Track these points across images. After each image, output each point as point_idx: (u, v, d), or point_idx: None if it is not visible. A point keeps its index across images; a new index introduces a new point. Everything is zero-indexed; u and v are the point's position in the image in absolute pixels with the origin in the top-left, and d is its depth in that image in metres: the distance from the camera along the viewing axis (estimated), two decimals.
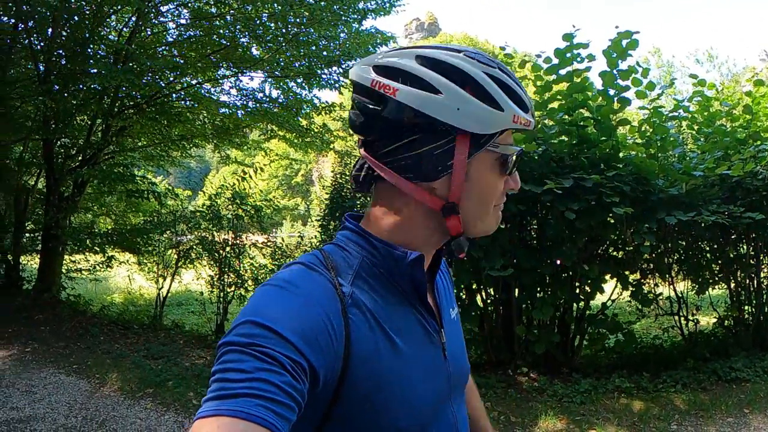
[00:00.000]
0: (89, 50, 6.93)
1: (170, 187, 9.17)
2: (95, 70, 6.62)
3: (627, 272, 4.80)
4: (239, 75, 8.23)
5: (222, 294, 6.54)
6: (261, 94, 8.73)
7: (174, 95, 8.20)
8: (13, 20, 6.70)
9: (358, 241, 0.76)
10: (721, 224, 4.07)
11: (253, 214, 6.92)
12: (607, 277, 4.79)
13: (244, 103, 8.81)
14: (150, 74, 7.13)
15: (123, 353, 5.39)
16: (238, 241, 6.81)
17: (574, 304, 4.76)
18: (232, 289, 6.61)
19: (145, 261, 7.67)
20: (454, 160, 0.71)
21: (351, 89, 0.77)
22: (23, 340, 5.60)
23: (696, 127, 5.25)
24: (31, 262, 8.23)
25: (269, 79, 8.52)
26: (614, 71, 4.35)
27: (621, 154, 4.46)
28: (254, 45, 7.83)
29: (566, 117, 4.53)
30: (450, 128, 0.69)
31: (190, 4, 7.46)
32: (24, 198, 7.73)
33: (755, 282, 5.05)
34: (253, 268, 6.89)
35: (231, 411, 0.53)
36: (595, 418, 3.90)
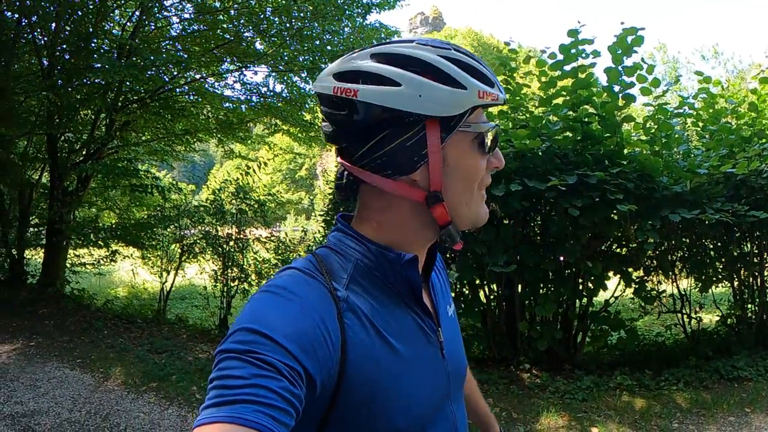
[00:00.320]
0: (93, 45, 6.94)
1: (174, 182, 9.18)
2: (99, 65, 6.62)
3: (630, 269, 4.78)
4: (243, 69, 8.24)
5: (225, 288, 6.57)
6: (265, 89, 8.74)
7: (178, 90, 8.21)
8: (16, 15, 6.70)
9: (351, 243, 0.76)
10: (725, 222, 4.05)
11: (256, 209, 6.93)
12: (610, 274, 4.78)
13: (248, 97, 8.81)
14: (154, 69, 7.13)
15: (127, 347, 5.42)
16: (241, 236, 6.83)
17: (577, 301, 4.75)
18: (236, 283, 6.63)
19: (148, 255, 7.70)
20: (428, 148, 0.70)
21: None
22: (27, 334, 5.64)
23: (701, 125, 5.22)
24: (36, 257, 8.27)
25: (273, 74, 8.52)
26: (619, 68, 4.32)
27: (625, 151, 4.44)
28: (258, 39, 7.82)
29: (571, 113, 4.50)
30: (417, 117, 0.69)
31: None
32: (28, 192, 7.76)
33: (759, 280, 5.03)
34: (257, 263, 6.91)
35: (230, 417, 0.53)
36: (597, 415, 3.90)
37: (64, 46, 7.03)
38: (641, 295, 4.82)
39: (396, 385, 0.70)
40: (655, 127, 4.56)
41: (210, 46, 7.55)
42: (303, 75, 8.30)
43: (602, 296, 4.90)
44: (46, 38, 6.97)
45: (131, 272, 8.55)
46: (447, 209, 0.73)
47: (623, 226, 4.29)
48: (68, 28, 6.95)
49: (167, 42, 7.94)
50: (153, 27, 7.86)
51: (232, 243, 6.73)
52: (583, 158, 4.27)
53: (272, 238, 7.26)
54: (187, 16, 7.83)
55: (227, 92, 8.98)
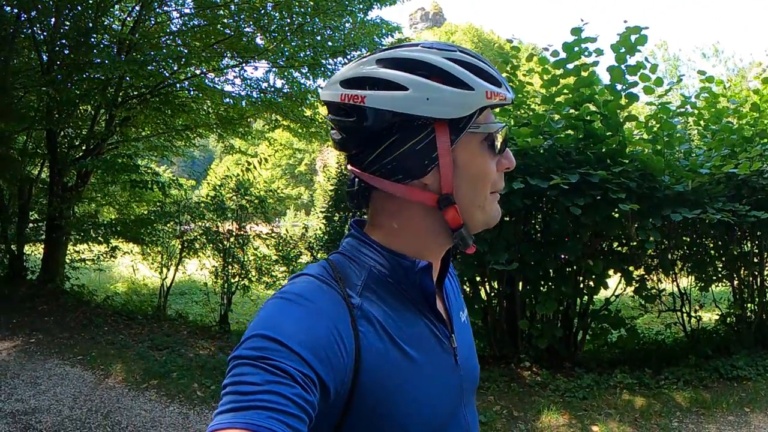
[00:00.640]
0: (92, 40, 6.91)
1: (174, 177, 9.15)
2: (98, 60, 6.60)
3: (631, 268, 4.79)
4: (243, 65, 8.21)
5: (226, 285, 6.57)
6: (265, 84, 8.71)
7: (178, 85, 8.18)
8: (16, 10, 6.67)
9: (365, 250, 0.76)
10: (726, 222, 4.05)
11: (257, 205, 6.93)
12: (611, 272, 4.79)
13: (248, 93, 8.79)
14: (154, 64, 7.11)
15: (127, 344, 5.42)
16: (242, 232, 6.82)
17: (578, 299, 4.76)
18: (236, 279, 6.63)
19: (148, 251, 7.68)
20: (438, 151, 0.70)
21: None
22: (27, 331, 5.63)
23: (702, 124, 5.22)
24: (35, 252, 8.26)
25: (273, 69, 8.48)
26: (622, 66, 4.31)
27: (627, 150, 4.44)
28: (259, 35, 7.79)
29: (573, 111, 4.50)
30: (426, 120, 0.69)
31: None
32: (28, 188, 7.74)
33: (758, 280, 5.04)
34: (257, 259, 6.91)
35: (243, 423, 0.53)
36: (597, 413, 3.91)
37: (64, 41, 7.00)
38: (641, 293, 4.84)
39: (410, 392, 0.70)
40: (657, 126, 4.55)
41: (210, 41, 7.52)
42: (303, 71, 8.27)
43: (603, 294, 4.91)
44: (45, 33, 6.94)
45: (131, 268, 8.54)
46: (459, 212, 0.73)
47: (625, 224, 4.29)
48: (68, 23, 6.92)
49: (167, 37, 7.91)
50: (153, 22, 7.83)
51: (232, 239, 6.72)
52: (585, 157, 4.27)
53: (273, 235, 7.26)
54: (187, 11, 7.81)
55: (227, 88, 8.94)
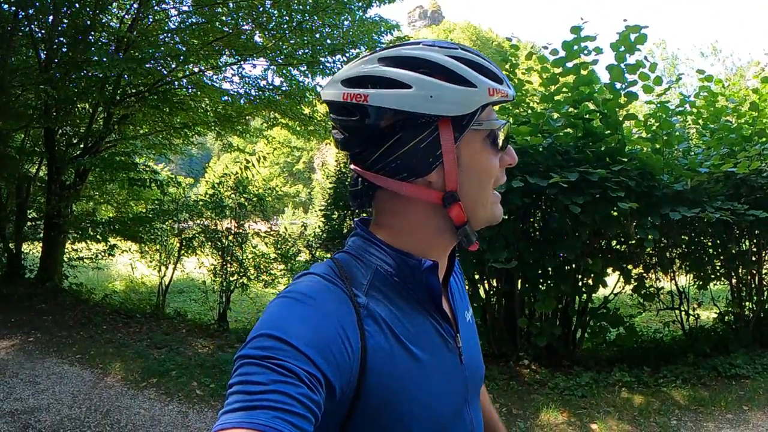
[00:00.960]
0: (90, 38, 6.89)
1: (172, 175, 9.12)
2: (96, 58, 6.57)
3: (629, 266, 4.80)
4: (242, 62, 8.18)
5: (224, 283, 6.56)
6: (264, 82, 8.69)
7: (176, 83, 8.16)
8: (13, 8, 6.64)
9: (371, 249, 0.76)
10: (725, 221, 4.06)
11: (255, 203, 6.92)
12: (610, 270, 4.79)
13: (247, 90, 8.77)
14: (152, 62, 7.09)
15: (126, 342, 5.41)
16: (240, 230, 6.81)
17: (577, 297, 4.77)
18: (235, 277, 6.62)
19: (147, 249, 7.67)
20: (442, 148, 0.70)
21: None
22: (26, 330, 5.62)
23: (701, 123, 5.23)
24: (33, 251, 8.24)
25: (272, 67, 8.46)
26: (621, 65, 4.32)
27: (627, 149, 4.44)
28: (257, 32, 7.77)
29: (572, 110, 4.51)
30: (429, 118, 0.69)
31: None
32: (26, 186, 7.72)
33: (757, 279, 5.05)
34: (256, 257, 6.90)
35: (249, 423, 0.53)
36: (596, 411, 3.92)
37: (62, 39, 6.97)
38: (640, 291, 4.85)
39: (415, 392, 0.70)
40: (656, 124, 4.56)
41: (209, 39, 7.49)
42: (302, 68, 8.25)
43: (601, 293, 4.92)
44: (43, 31, 6.92)
45: (129, 266, 8.53)
46: (463, 209, 0.73)
47: (624, 223, 4.30)
48: (66, 21, 6.89)
49: (165, 35, 7.88)
50: (151, 20, 7.80)
51: (231, 237, 6.71)
52: (585, 155, 4.27)
53: (271, 233, 7.25)
54: (185, 8, 7.77)
55: (226, 85, 8.91)
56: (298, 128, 9.51)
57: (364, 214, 0.82)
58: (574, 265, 4.61)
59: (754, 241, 4.96)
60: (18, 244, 7.61)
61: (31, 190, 7.87)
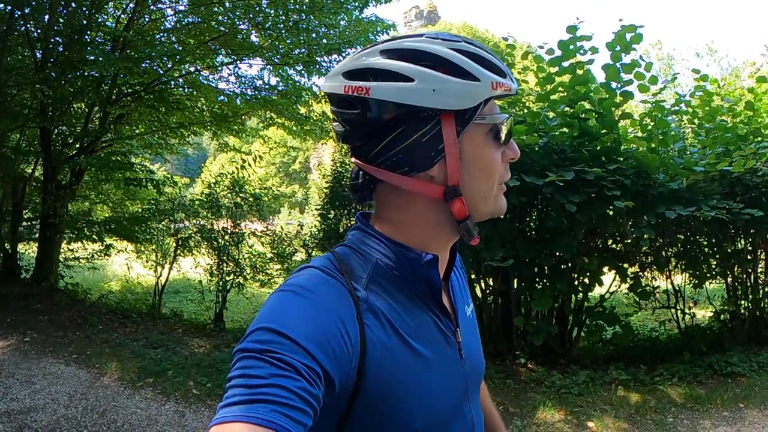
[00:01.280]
0: (87, 37, 6.86)
1: (168, 175, 9.10)
2: (93, 58, 6.55)
3: (625, 265, 4.82)
4: (238, 62, 8.16)
5: (221, 283, 6.55)
6: (260, 82, 8.67)
7: (172, 83, 8.13)
8: (9, 7, 6.61)
9: (371, 242, 0.75)
10: (720, 219, 4.08)
11: (252, 202, 6.91)
12: (606, 269, 4.81)
13: (243, 90, 8.75)
14: (148, 61, 7.06)
15: (122, 342, 5.40)
16: (236, 230, 6.80)
17: (573, 296, 4.78)
18: (231, 277, 6.61)
19: (143, 249, 7.65)
20: (444, 142, 0.70)
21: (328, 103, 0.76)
22: (22, 330, 5.59)
23: (697, 122, 5.25)
24: (29, 251, 8.20)
25: (268, 67, 8.44)
26: (617, 64, 4.33)
27: (622, 148, 4.46)
28: (253, 32, 7.75)
29: (568, 109, 4.52)
30: (432, 111, 0.68)
31: None
32: (21, 186, 7.68)
33: (752, 277, 5.08)
34: (252, 257, 6.89)
35: (246, 417, 0.53)
36: (593, 409, 3.93)
37: (58, 39, 6.94)
38: (636, 290, 4.86)
39: (414, 386, 0.70)
40: (652, 124, 4.58)
41: (205, 38, 7.47)
42: (298, 68, 8.24)
43: (597, 291, 4.93)
44: (39, 30, 6.88)
45: (125, 266, 8.50)
46: (465, 203, 0.72)
47: (619, 222, 4.31)
48: (62, 21, 6.86)
49: (161, 34, 7.85)
50: (147, 19, 7.78)
51: (227, 237, 6.70)
52: (581, 154, 4.28)
53: (267, 232, 7.24)
54: (181, 8, 7.74)
55: (222, 85, 8.92)
56: (294, 128, 9.48)
57: (363, 208, 0.81)
58: (570, 264, 4.63)
59: (750, 239, 4.99)
60: (14, 244, 7.57)
61: (27, 190, 7.82)
